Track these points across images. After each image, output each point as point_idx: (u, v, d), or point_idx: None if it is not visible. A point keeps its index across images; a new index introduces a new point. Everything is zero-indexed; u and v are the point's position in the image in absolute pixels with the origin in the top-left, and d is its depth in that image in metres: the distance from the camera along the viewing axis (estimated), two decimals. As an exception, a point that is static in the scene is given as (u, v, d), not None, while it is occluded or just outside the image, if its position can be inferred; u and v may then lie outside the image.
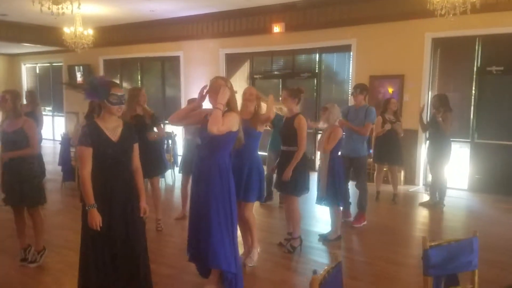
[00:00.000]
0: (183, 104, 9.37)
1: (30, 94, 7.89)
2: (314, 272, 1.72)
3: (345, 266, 4.24)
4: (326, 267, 1.83)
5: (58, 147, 8.42)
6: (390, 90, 7.86)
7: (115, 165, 2.94)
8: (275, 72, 9.59)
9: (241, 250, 4.04)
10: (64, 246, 4.67)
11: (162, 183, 7.65)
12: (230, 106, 3.31)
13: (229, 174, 3.36)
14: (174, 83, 11.14)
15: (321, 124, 4.85)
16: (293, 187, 4.33)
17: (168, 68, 11.37)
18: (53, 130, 14.08)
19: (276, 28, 8.87)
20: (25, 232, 4.22)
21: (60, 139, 8.40)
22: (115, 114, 2.94)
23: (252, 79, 9.78)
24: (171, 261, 4.19)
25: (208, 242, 3.25)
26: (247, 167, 3.87)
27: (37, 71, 14.86)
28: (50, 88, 14.32)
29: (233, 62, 10.00)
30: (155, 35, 10.66)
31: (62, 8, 5.94)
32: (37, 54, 14.02)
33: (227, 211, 3.32)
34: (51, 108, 14.40)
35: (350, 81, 8.32)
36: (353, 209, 5.58)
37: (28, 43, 11.70)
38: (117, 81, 11.87)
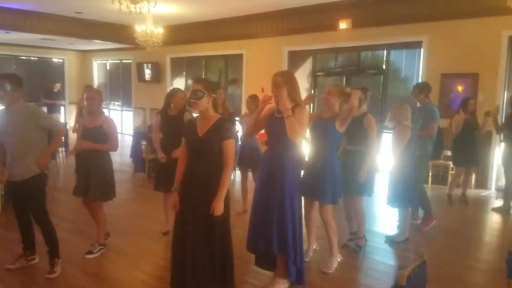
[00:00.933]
0: (243, 101, 9.47)
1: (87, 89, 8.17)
2: (401, 267, 1.71)
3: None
4: (412, 265, 1.82)
5: (126, 140, 8.87)
6: (460, 88, 7.52)
7: (197, 158, 3.08)
8: (339, 69, 9.47)
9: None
10: (137, 232, 4.94)
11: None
12: (296, 100, 3.33)
13: (299, 170, 3.38)
14: (236, 80, 11.34)
15: (389, 124, 4.74)
16: (360, 187, 4.26)
17: (231, 66, 11.58)
18: (121, 124, 14.83)
19: (342, 25, 8.75)
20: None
21: (129, 132, 8.85)
22: (193, 108, 3.11)
23: (314, 77, 9.73)
24: (235, 251, 4.28)
25: (280, 235, 3.30)
26: (322, 168, 3.81)
27: (108, 67, 15.70)
28: (120, 84, 15.08)
29: (295, 59, 10.00)
30: (220, 34, 10.90)
31: (140, 8, 6.22)
32: (108, 51, 14.82)
33: (297, 207, 3.38)
34: (120, 103, 15.18)
35: (419, 79, 8.04)
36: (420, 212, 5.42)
37: (100, 40, 12.35)
38: (183, 79, 12.34)
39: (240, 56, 10.94)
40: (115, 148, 4.18)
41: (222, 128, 3.03)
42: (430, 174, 7.35)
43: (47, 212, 3.78)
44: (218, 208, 2.99)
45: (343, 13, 8.71)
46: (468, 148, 6.13)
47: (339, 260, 4.04)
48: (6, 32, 10.79)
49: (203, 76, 12.03)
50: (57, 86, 11.96)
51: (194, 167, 3.10)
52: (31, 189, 3.63)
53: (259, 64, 10.39)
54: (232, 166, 3.08)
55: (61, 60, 15.72)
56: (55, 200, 6.20)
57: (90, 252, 4.21)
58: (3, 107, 3.67)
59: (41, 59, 15.20)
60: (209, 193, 3.01)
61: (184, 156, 3.20)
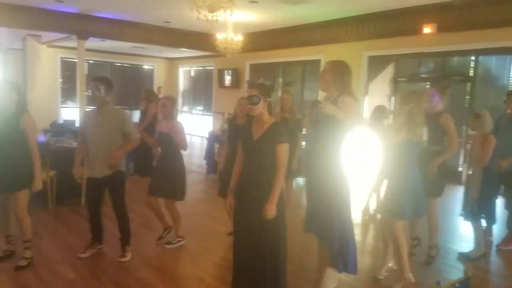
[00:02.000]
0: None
1: (146, 92, 8.43)
2: (438, 283, 1.54)
3: None
4: (451, 281, 1.62)
5: (205, 143, 9.20)
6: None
7: (251, 161, 3.11)
8: (423, 75, 8.94)
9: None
10: (202, 231, 5.06)
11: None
12: (341, 90, 3.18)
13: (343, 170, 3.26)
14: (313, 86, 11.22)
15: (473, 133, 4.37)
16: (434, 188, 3.97)
17: (309, 72, 11.50)
18: (202, 128, 15.41)
19: (427, 29, 8.25)
20: (165, 218, 4.64)
21: (207, 136, 9.14)
22: (249, 113, 3.14)
23: (395, 83, 9.29)
24: (293, 257, 4.19)
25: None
26: (395, 181, 3.62)
27: (192, 74, 16.45)
28: (202, 90, 15.71)
29: (375, 65, 9.63)
30: (298, 40, 10.88)
31: (217, 16, 6.41)
32: (192, 58, 15.53)
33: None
34: (201, 108, 15.81)
35: (510, 86, 7.31)
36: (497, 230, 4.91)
37: (186, 48, 12.98)
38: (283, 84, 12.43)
39: (318, 62, 10.81)
40: (183, 148, 4.36)
41: (276, 132, 3.03)
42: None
43: (125, 205, 4.11)
44: (270, 211, 2.98)
45: (427, 17, 8.23)
46: None
47: (412, 280, 3.67)
48: (102, 40, 11.78)
49: (280, 82, 12.09)
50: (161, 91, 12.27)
51: (248, 170, 3.14)
52: (112, 184, 3.97)
53: (337, 70, 10.16)
54: (284, 170, 3.04)
55: (151, 67, 16.79)
56: (132, 196, 6.60)
57: (169, 243, 4.50)
58: (92, 108, 4.02)
59: (133, 65, 16.37)
60: (262, 197, 3.01)
61: (240, 159, 3.25)
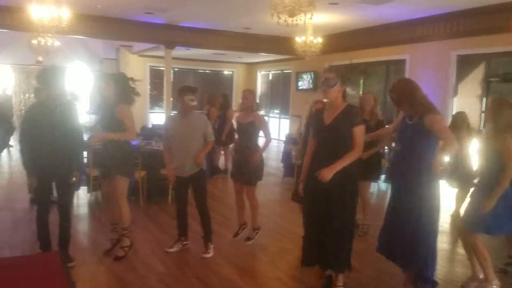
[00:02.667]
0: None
1: (209, 97, 8.89)
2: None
3: None
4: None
5: (282, 146, 9.30)
6: None
7: (325, 146, 3.16)
8: (518, 75, 8.22)
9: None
10: (280, 232, 5.14)
11: (374, 187, 7.57)
12: (419, 110, 3.10)
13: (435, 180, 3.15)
14: (396, 87, 10.81)
15: None
16: None
17: (393, 72, 11.12)
18: (279, 131, 15.56)
19: (523, 25, 7.59)
20: (244, 212, 4.82)
21: (284, 139, 9.25)
22: (324, 96, 3.23)
23: (487, 83, 8.65)
24: (373, 263, 4.11)
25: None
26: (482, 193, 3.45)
27: (270, 78, 16.69)
28: (279, 93, 15.88)
29: (465, 64, 9.04)
30: (380, 39, 10.56)
31: (297, 20, 6.45)
32: (271, 62, 15.75)
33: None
34: (278, 111, 15.97)
35: None
36: None
37: (265, 53, 13.23)
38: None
39: (402, 62, 10.42)
40: (269, 141, 4.60)
41: (351, 115, 3.02)
42: None
43: (207, 202, 4.38)
44: (325, 174, 2.99)
45: (524, 12, 7.57)
46: None
47: (495, 287, 3.52)
48: (186, 49, 12.41)
49: (361, 83, 11.83)
50: None
51: (321, 155, 3.14)
52: (196, 182, 4.26)
53: (423, 69, 9.72)
54: (359, 151, 3.07)
55: (231, 72, 17.32)
56: (213, 196, 6.87)
57: (249, 239, 4.68)
58: (177, 113, 4.35)
59: (214, 71, 17.02)
60: (337, 179, 3.02)
61: (310, 150, 3.28)
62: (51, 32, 7.89)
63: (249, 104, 4.56)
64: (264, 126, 4.61)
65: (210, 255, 4.30)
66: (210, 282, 3.76)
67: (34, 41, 11.14)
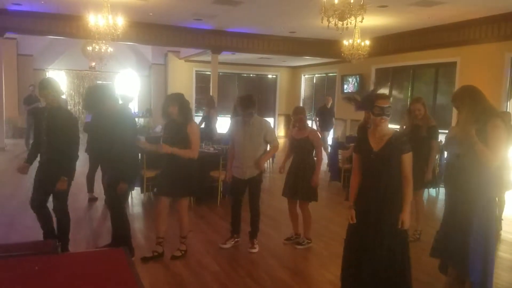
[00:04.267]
0: (454, 113, 8.73)
1: (209, 100, 9.24)
2: None
3: None
4: None
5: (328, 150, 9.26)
6: None
7: (374, 173, 3.10)
8: None
9: None
10: (329, 237, 5.14)
11: (425, 194, 7.39)
12: (479, 117, 3.06)
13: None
14: (446, 90, 10.51)
15: None
16: None
17: (442, 75, 10.81)
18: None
19: None
20: (297, 222, 4.89)
21: (329, 143, 9.21)
22: (378, 125, 3.08)
23: (546, 85, 8.26)
24: (428, 269, 4.06)
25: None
26: None
27: (314, 81, 16.63)
28: (324, 96, 15.75)
29: (520, 66, 8.68)
30: (430, 42, 10.30)
31: (347, 23, 6.42)
32: (315, 65, 15.72)
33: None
34: (322, 115, 15.87)
35: None
36: None
37: (310, 56, 13.22)
38: (387, 90, 12.08)
39: (453, 65, 10.11)
40: (320, 159, 4.67)
41: (399, 142, 3.04)
42: None
43: (260, 202, 4.62)
44: (406, 220, 3.01)
45: None
46: None
47: None
48: (232, 53, 12.63)
49: (410, 86, 11.57)
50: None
51: (371, 182, 3.12)
52: (254, 184, 4.51)
53: (475, 73, 9.39)
54: (411, 181, 3.05)
55: (275, 76, 17.42)
56: (262, 200, 6.95)
57: (299, 244, 4.77)
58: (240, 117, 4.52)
59: (258, 75, 17.19)
60: (389, 207, 3.04)
61: (357, 170, 3.24)
62: (107, 39, 8.28)
63: (303, 123, 4.68)
64: (317, 142, 4.65)
65: (255, 250, 4.51)
66: (262, 282, 3.84)
67: (89, 48, 11.73)
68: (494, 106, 3.18)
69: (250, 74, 17.05)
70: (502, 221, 5.58)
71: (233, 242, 4.63)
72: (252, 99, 4.39)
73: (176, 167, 4.09)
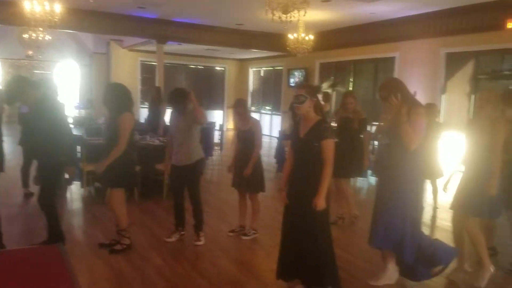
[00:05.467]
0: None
1: (156, 90, 9.19)
2: None
3: None
4: None
5: (274, 142, 9.39)
6: None
7: (299, 158, 3.26)
8: (506, 72, 8.42)
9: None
10: (275, 227, 5.14)
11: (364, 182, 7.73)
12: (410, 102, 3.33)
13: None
14: (386, 85, 10.95)
15: None
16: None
17: (381, 70, 11.25)
18: (271, 127, 15.64)
19: (511, 24, 7.76)
20: (245, 214, 4.91)
21: (277, 135, 9.34)
22: (295, 112, 3.30)
23: (475, 80, 8.83)
24: (366, 255, 4.26)
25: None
26: (477, 180, 3.59)
27: (261, 74, 16.74)
28: (271, 89, 15.95)
29: (454, 62, 9.22)
30: (371, 37, 10.68)
31: (290, 17, 6.52)
32: (262, 59, 15.81)
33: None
34: (270, 108, 16.04)
35: None
36: None
37: (257, 49, 13.26)
38: (329, 84, 12.37)
39: (392, 60, 10.56)
40: (259, 149, 4.66)
41: (320, 129, 3.14)
42: None
43: (200, 192, 4.54)
44: (319, 204, 3.10)
45: (511, 12, 7.74)
46: None
47: (492, 270, 3.68)
48: (179, 44, 12.39)
49: (351, 80, 11.95)
50: None
51: (297, 166, 3.28)
52: (192, 172, 4.41)
53: (413, 68, 9.88)
54: (331, 165, 3.13)
55: (223, 68, 17.34)
56: (209, 191, 6.94)
57: (245, 234, 4.79)
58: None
59: (206, 67, 17.02)
60: (310, 191, 3.13)
61: (290, 156, 3.41)
62: (43, 27, 7.85)
63: (243, 115, 4.67)
64: (257, 133, 4.64)
65: (201, 242, 4.46)
66: (208, 274, 3.83)
67: (25, 36, 11.05)
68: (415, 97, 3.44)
69: (197, 65, 16.84)
70: (437, 209, 5.93)
71: (178, 236, 4.58)
72: (181, 94, 4.30)
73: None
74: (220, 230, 4.97)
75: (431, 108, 5.71)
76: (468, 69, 9.03)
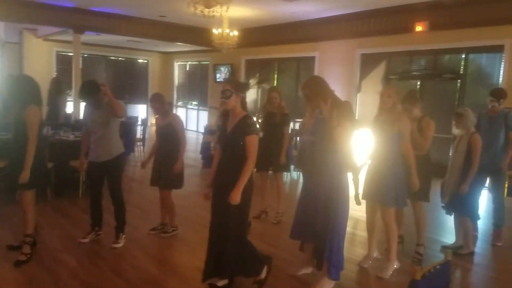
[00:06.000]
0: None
1: (55, 81, 8.86)
2: (418, 263, 1.71)
3: (480, 283, 4.04)
4: (433, 263, 1.80)
5: (201, 137, 9.34)
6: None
7: (225, 153, 3.29)
8: (414, 73, 9.14)
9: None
10: (199, 223, 5.21)
11: (287, 177, 7.98)
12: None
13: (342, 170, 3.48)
14: (308, 82, 11.33)
15: (457, 132, 4.46)
16: (422, 192, 4.13)
17: (303, 69, 11.64)
18: (198, 122, 15.52)
19: (419, 27, 8.44)
20: (165, 211, 4.82)
21: (203, 131, 9.30)
22: (223, 107, 3.31)
23: (387, 80, 9.47)
24: (289, 248, 4.35)
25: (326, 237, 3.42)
26: (385, 171, 3.83)
27: (187, 69, 16.52)
28: (197, 84, 15.81)
29: (368, 62, 9.81)
30: (293, 36, 11.01)
31: (213, 11, 6.53)
32: (188, 53, 15.60)
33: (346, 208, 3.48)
34: (197, 103, 15.91)
35: (500, 84, 7.51)
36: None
37: (181, 43, 13.03)
38: (255, 81, 12.57)
39: (312, 59, 10.96)
40: (184, 144, 4.60)
41: (245, 124, 3.19)
42: (507, 185, 6.81)
43: (122, 191, 4.38)
44: (234, 197, 3.12)
45: (419, 16, 8.40)
46: None
47: (396, 266, 3.96)
48: (97, 34, 11.82)
49: (265, 79, 12.21)
50: None
51: (223, 161, 3.32)
52: (112, 169, 4.25)
53: (331, 67, 10.34)
54: (253, 160, 3.17)
55: (146, 61, 16.83)
56: (130, 189, 6.74)
57: (165, 232, 4.71)
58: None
59: (128, 59, 16.41)
60: (234, 186, 3.15)
61: (217, 153, 3.45)
62: None
63: (161, 110, 4.54)
64: (180, 128, 4.55)
65: (119, 245, 4.29)
66: (126, 274, 3.73)
67: None
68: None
69: (118, 57, 16.17)
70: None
71: (94, 236, 4.39)
72: (92, 87, 4.04)
73: (14, 158, 3.77)
74: (141, 229, 4.85)
75: (347, 105, 6.01)
76: (380, 70, 9.65)
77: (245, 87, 3.40)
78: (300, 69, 11.72)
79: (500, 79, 7.56)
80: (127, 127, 8.85)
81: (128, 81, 16.22)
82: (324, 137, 3.38)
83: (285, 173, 6.39)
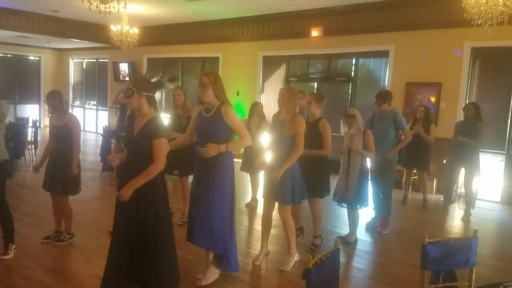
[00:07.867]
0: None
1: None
2: (311, 253, 1.84)
3: (364, 267, 4.39)
4: (324, 251, 1.96)
5: (100, 139, 8.90)
6: (433, 99, 7.75)
7: (132, 156, 3.08)
8: (311, 76, 9.69)
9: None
10: (97, 229, 4.99)
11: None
12: (222, 99, 3.53)
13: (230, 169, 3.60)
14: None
15: (350, 131, 4.78)
16: (318, 189, 4.43)
17: (208, 68, 11.68)
18: (97, 123, 14.75)
19: (314, 32, 8.98)
20: (61, 219, 4.54)
21: (102, 132, 8.85)
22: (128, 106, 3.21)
23: (287, 82, 9.92)
24: (192, 248, 4.33)
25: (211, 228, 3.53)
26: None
27: (84, 66, 15.61)
28: (96, 83, 15.02)
29: (269, 64, 10.19)
30: (197, 36, 11.01)
31: (109, 7, 6.27)
32: (84, 49, 14.75)
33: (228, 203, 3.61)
34: (95, 103, 15.11)
35: (386, 87, 8.30)
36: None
37: (77, 39, 12.34)
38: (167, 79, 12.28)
39: (216, 59, 11.07)
40: (79, 146, 4.34)
41: (151, 128, 2.97)
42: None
43: (5, 197, 4.02)
44: (123, 194, 2.91)
45: (315, 21, 8.94)
46: (416, 151, 6.42)
47: (296, 259, 4.15)
48: (-20, 28, 10.69)
49: (177, 76, 12.05)
50: None
51: (128, 163, 3.09)
52: None
53: (235, 68, 10.53)
54: (160, 165, 2.96)
55: (38, 58, 15.57)
56: (21, 196, 6.23)
57: (60, 240, 4.42)
58: None
59: (17, 56, 15.05)
60: (142, 189, 2.96)
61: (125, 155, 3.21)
62: None
63: (57, 108, 4.25)
64: (75, 128, 4.29)
65: (9, 256, 3.98)
66: (17, 287, 3.46)
67: None
68: None
69: (6, 54, 14.77)
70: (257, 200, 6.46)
71: None
72: None
73: None
74: (33, 238, 4.51)
75: (257, 107, 6.18)
76: (281, 72, 10.08)
77: (152, 85, 3.13)
78: (205, 68, 11.74)
79: (386, 81, 8.35)
80: (16, 128, 8.14)
81: (17, 80, 14.89)
82: (211, 136, 3.50)
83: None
